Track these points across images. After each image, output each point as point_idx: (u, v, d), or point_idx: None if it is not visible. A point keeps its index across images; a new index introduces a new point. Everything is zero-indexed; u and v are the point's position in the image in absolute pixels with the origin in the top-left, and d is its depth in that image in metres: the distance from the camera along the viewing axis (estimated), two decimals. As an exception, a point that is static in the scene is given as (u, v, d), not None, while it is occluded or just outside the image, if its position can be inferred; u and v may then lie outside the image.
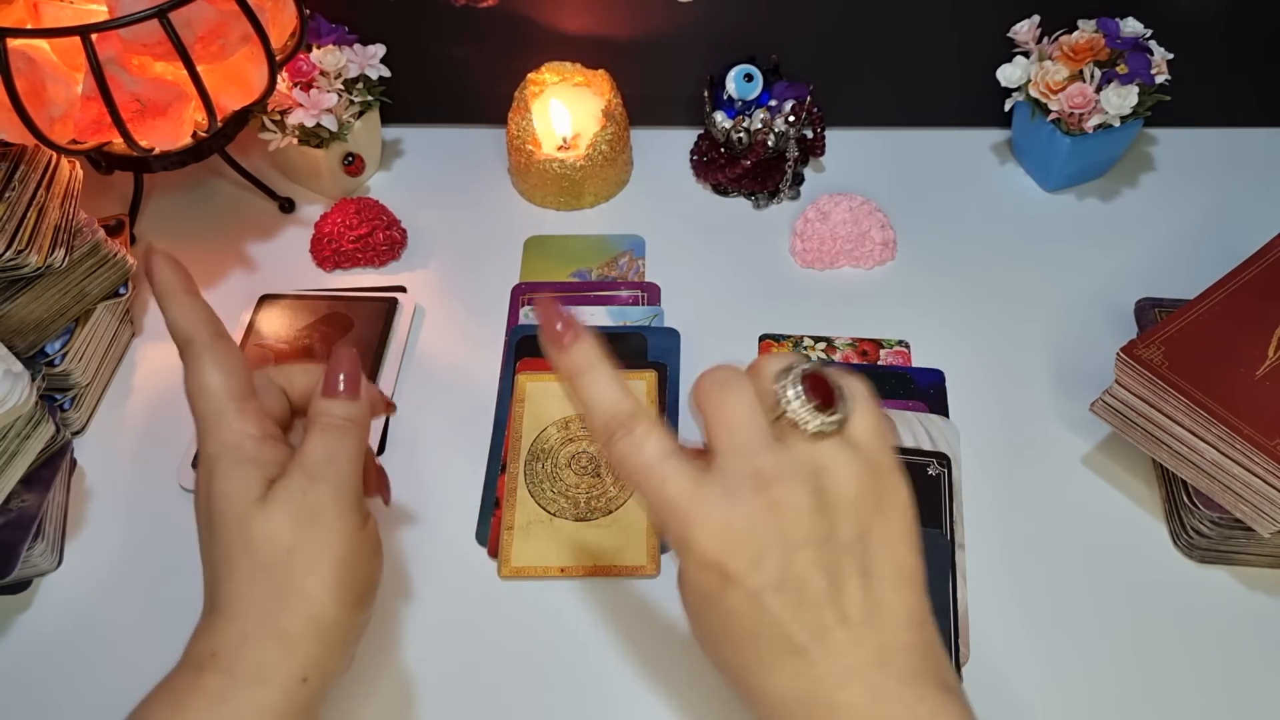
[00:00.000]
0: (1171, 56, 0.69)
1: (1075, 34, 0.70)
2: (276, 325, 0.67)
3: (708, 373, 0.37)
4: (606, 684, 0.52)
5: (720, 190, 0.77)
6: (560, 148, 0.76)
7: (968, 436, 0.60)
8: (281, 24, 0.63)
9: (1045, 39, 0.72)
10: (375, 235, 0.71)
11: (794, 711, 0.35)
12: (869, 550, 0.36)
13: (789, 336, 0.67)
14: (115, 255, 0.62)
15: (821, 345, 0.66)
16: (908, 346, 0.66)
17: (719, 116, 0.73)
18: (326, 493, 0.40)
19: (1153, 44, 0.70)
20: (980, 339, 0.66)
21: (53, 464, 0.56)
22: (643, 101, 0.78)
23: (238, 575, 0.39)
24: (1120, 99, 0.68)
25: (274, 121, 0.71)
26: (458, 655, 0.53)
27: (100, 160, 0.68)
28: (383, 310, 0.68)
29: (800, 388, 0.36)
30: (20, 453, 0.53)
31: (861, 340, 0.66)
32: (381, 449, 0.62)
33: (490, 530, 0.57)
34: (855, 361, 0.65)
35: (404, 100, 0.77)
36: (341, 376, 0.43)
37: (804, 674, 0.34)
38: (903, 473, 0.37)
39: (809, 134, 0.73)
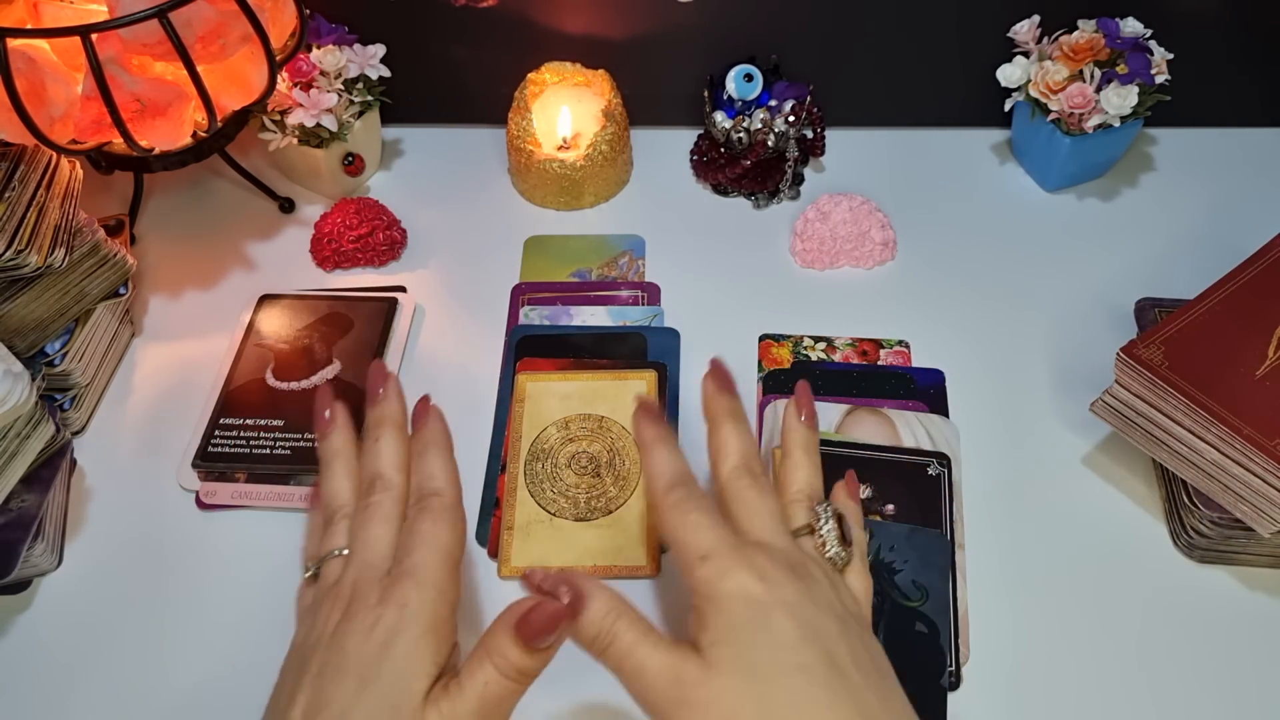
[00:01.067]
0: (1171, 56, 0.69)
1: (1075, 34, 0.70)
2: (276, 325, 0.67)
3: (736, 445, 0.44)
4: (606, 684, 0.52)
5: (720, 190, 0.77)
6: (560, 148, 0.76)
7: (968, 436, 0.60)
8: (281, 24, 0.63)
9: (1045, 39, 0.72)
10: (375, 235, 0.71)
11: None
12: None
13: (789, 336, 0.67)
14: (115, 255, 0.62)
15: (821, 345, 0.66)
16: (908, 346, 0.66)
17: (719, 116, 0.73)
18: None
19: (1153, 44, 0.70)
20: (980, 339, 0.66)
21: (53, 464, 0.56)
22: (643, 101, 0.78)
23: None
24: (1120, 99, 0.68)
25: (274, 121, 0.71)
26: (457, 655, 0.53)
27: (100, 160, 0.68)
28: (383, 310, 0.68)
29: (834, 520, 0.42)
30: (20, 453, 0.53)
31: (861, 340, 0.66)
32: (381, 449, 0.62)
33: (490, 530, 0.57)
34: (855, 361, 0.65)
35: (404, 100, 0.77)
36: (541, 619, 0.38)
37: None
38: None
39: (809, 134, 0.73)
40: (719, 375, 0.46)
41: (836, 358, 0.65)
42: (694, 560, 0.39)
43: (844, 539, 0.42)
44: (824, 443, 0.58)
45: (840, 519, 0.42)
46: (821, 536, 0.42)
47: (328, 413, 0.46)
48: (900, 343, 0.66)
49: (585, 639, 0.38)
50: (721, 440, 0.44)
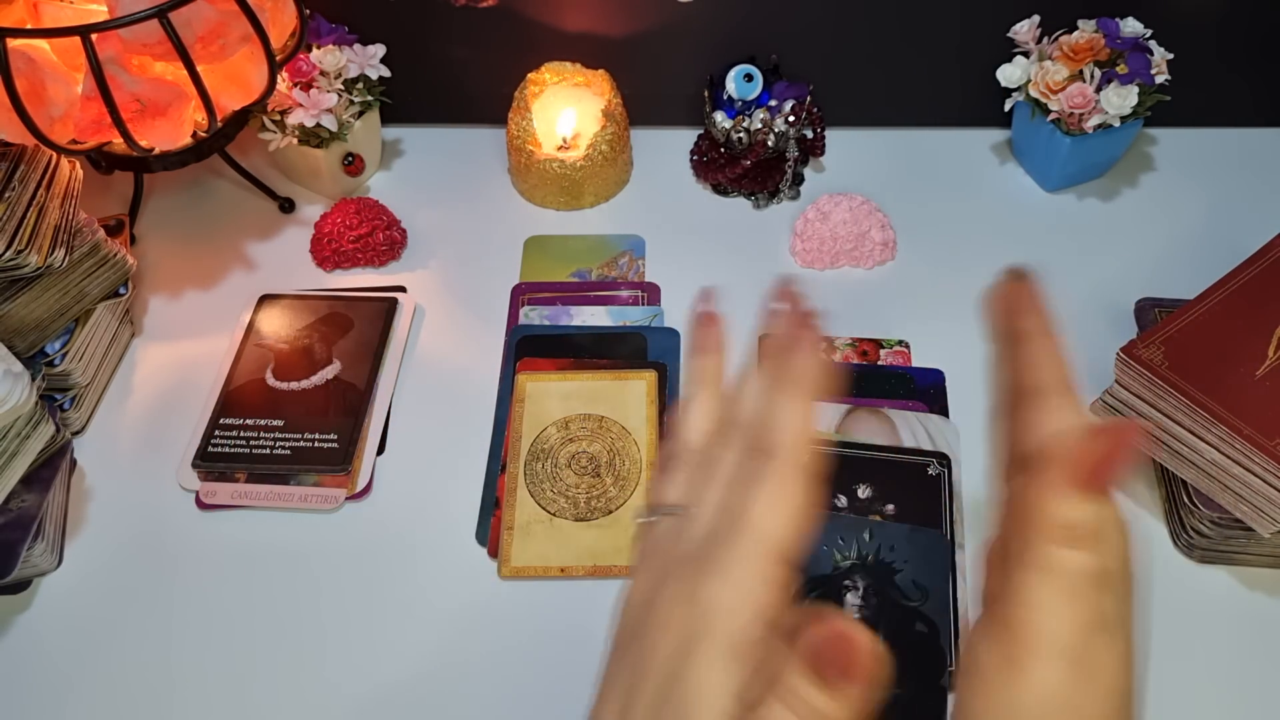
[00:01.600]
0: (1171, 56, 0.69)
1: (1075, 34, 0.70)
2: (276, 325, 0.67)
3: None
4: None
5: (720, 190, 0.77)
6: (560, 148, 0.76)
7: (968, 436, 0.60)
8: (281, 24, 0.63)
9: (1045, 39, 0.72)
10: (375, 235, 0.71)
11: None
12: None
13: None
14: (115, 255, 0.62)
15: (821, 345, 0.66)
16: (908, 346, 0.66)
17: (719, 116, 0.73)
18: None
19: (1153, 44, 0.70)
20: (980, 339, 0.66)
21: (53, 464, 0.56)
22: (643, 101, 0.78)
23: None
24: (1120, 99, 0.68)
25: (274, 121, 0.71)
26: (458, 655, 0.53)
27: (100, 160, 0.68)
28: (383, 310, 0.68)
29: None
30: (20, 453, 0.53)
31: (861, 340, 0.66)
32: (382, 449, 0.62)
33: (490, 530, 0.57)
34: (855, 361, 0.65)
35: (404, 100, 0.77)
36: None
37: None
38: None
39: (809, 134, 0.73)
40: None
41: (836, 358, 0.65)
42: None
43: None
44: (824, 443, 0.59)
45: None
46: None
47: (706, 319, 0.37)
48: (900, 343, 0.66)
49: None
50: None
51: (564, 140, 0.76)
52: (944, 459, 0.58)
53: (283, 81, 0.68)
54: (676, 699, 0.29)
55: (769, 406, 0.34)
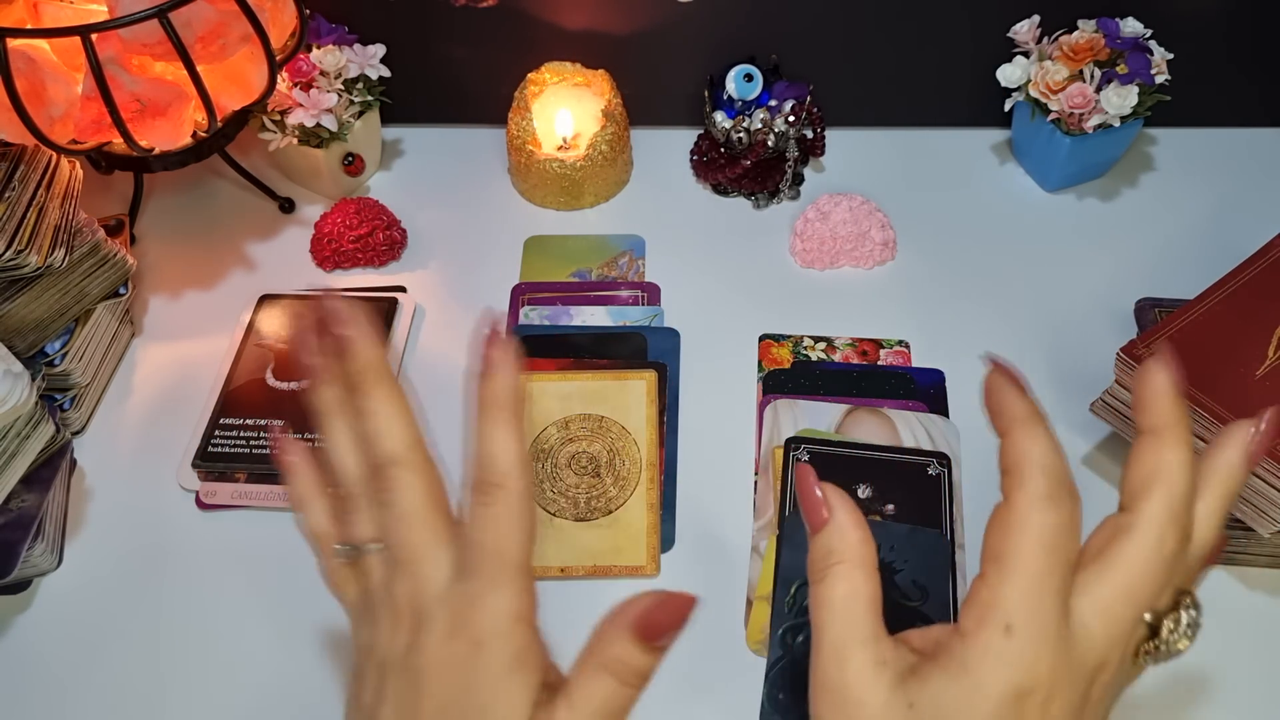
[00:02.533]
0: (1171, 56, 0.69)
1: (1075, 34, 0.70)
2: (276, 325, 0.67)
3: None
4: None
5: (720, 190, 0.77)
6: (560, 148, 0.76)
7: (968, 436, 0.60)
8: (281, 24, 0.63)
9: (1045, 39, 0.72)
10: (375, 235, 0.71)
11: None
12: None
13: (789, 336, 0.67)
14: (115, 255, 0.62)
15: (822, 345, 0.66)
16: (908, 346, 0.66)
17: (719, 116, 0.73)
18: None
19: (1153, 44, 0.70)
20: (980, 339, 0.66)
21: (53, 464, 0.56)
22: (643, 101, 0.78)
23: None
24: (1120, 99, 0.68)
25: (274, 121, 0.71)
26: (458, 655, 0.53)
27: (100, 160, 0.68)
28: (383, 310, 0.68)
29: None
30: (20, 453, 0.53)
31: (861, 340, 0.66)
32: (381, 449, 0.62)
33: (490, 530, 0.57)
34: (855, 361, 0.65)
35: (404, 100, 0.77)
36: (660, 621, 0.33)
37: None
38: None
39: (809, 134, 0.73)
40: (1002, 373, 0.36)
41: (836, 358, 0.65)
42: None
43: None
44: (824, 442, 0.59)
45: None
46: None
47: (309, 347, 0.36)
48: (900, 343, 0.66)
49: (813, 552, 0.34)
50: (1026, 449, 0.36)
51: (564, 140, 0.76)
52: (944, 459, 0.58)
53: (283, 81, 0.68)
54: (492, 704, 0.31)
55: (479, 438, 0.36)
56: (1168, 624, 0.31)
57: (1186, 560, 0.32)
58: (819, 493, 0.34)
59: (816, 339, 0.66)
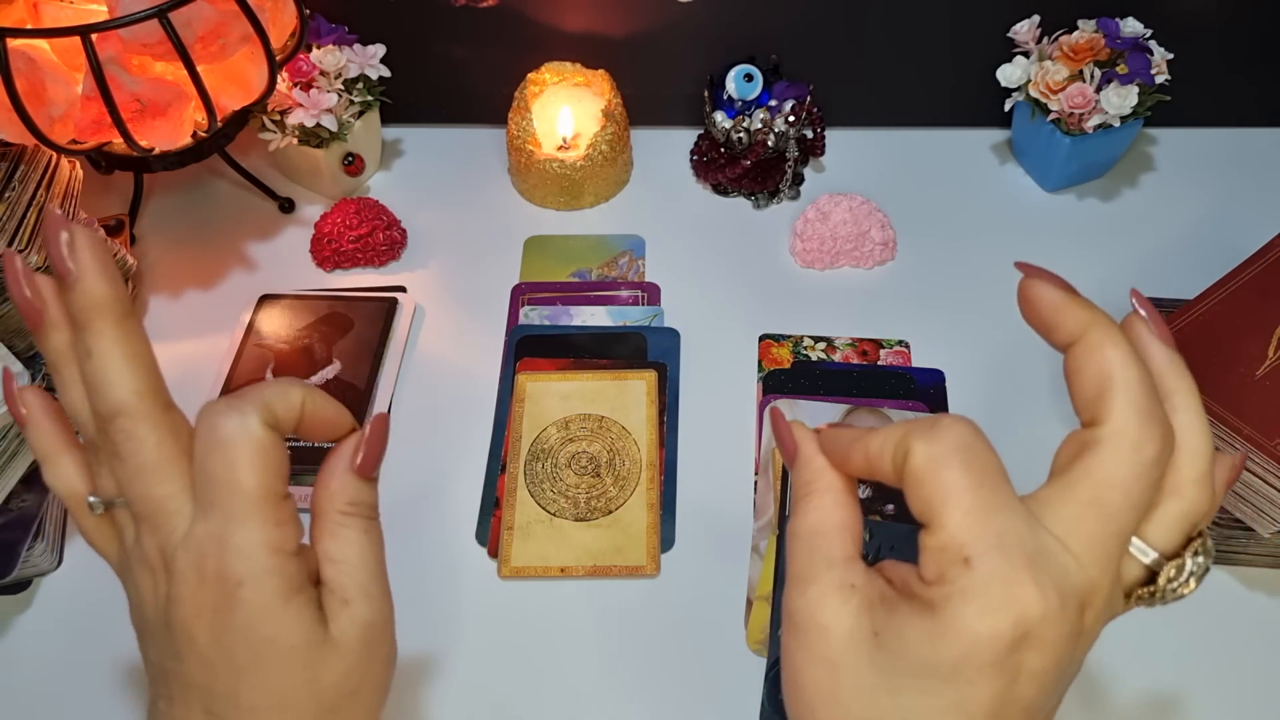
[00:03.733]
0: (1171, 56, 0.69)
1: (1075, 34, 0.70)
2: (276, 325, 0.67)
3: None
4: (606, 684, 0.52)
5: (720, 190, 0.77)
6: (560, 148, 0.76)
7: (968, 436, 0.60)
8: (281, 24, 0.63)
9: (1045, 39, 0.72)
10: (375, 235, 0.71)
11: None
12: None
13: (789, 336, 0.67)
14: (115, 255, 0.62)
15: (822, 345, 0.66)
16: (908, 346, 0.66)
17: (719, 116, 0.73)
18: (385, 612, 0.35)
19: (1153, 44, 0.70)
20: (980, 339, 0.66)
21: (53, 464, 0.56)
22: (643, 101, 0.78)
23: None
24: (1120, 99, 0.68)
25: (274, 121, 0.71)
26: (458, 655, 0.53)
27: (100, 160, 0.68)
28: (383, 310, 0.68)
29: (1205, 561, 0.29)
30: (20, 453, 0.53)
31: (861, 340, 0.66)
32: (381, 449, 0.62)
33: (490, 530, 0.57)
34: (855, 361, 0.65)
35: (404, 100, 0.77)
36: (366, 453, 0.35)
37: None
38: None
39: (809, 134, 0.73)
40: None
41: (836, 358, 0.65)
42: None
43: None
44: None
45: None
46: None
47: (22, 280, 0.33)
48: (900, 343, 0.66)
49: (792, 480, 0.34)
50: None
51: (564, 140, 0.76)
52: None
53: (283, 81, 0.68)
54: (269, 661, 0.31)
55: (86, 366, 0.32)
56: (1168, 571, 0.28)
57: (1184, 474, 0.29)
58: (788, 431, 0.33)
59: (816, 339, 0.66)
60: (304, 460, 0.60)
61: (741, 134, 0.72)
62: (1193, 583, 0.28)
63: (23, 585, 0.56)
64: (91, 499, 0.34)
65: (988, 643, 0.26)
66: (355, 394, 0.63)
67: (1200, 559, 0.28)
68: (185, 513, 0.32)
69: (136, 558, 0.33)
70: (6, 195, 0.56)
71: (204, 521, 0.31)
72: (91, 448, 0.34)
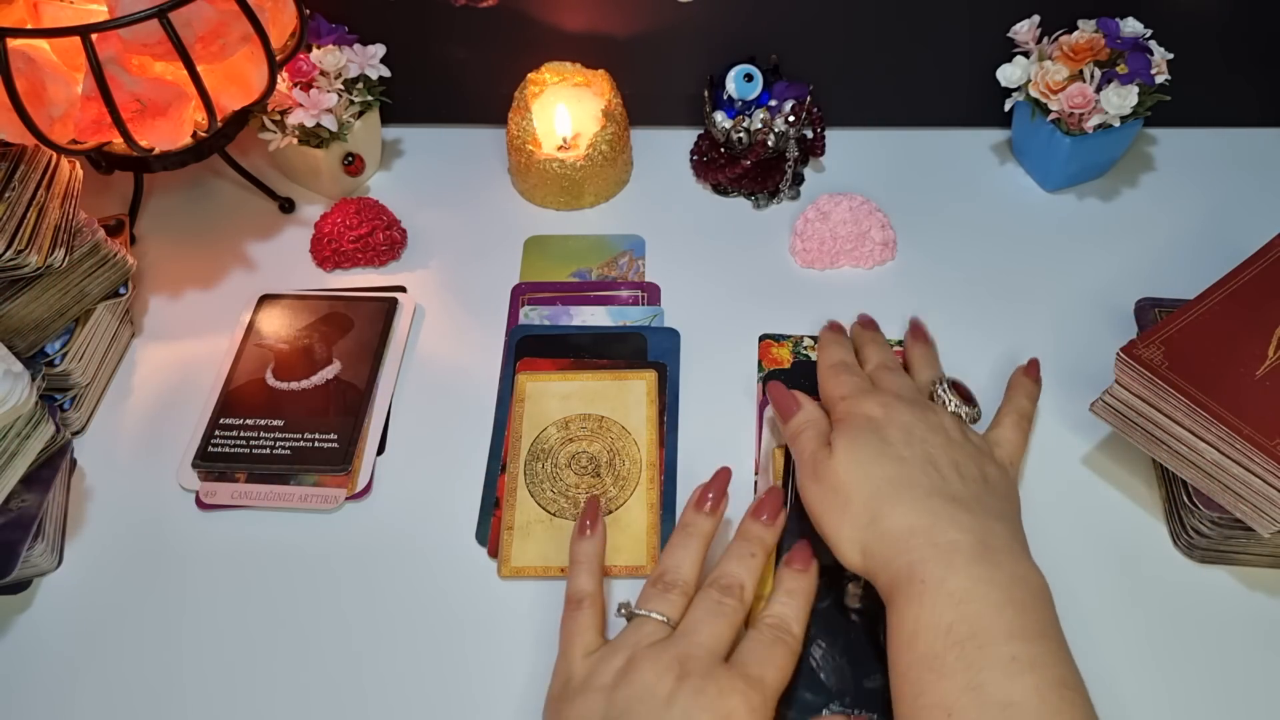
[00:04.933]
0: (1171, 56, 0.69)
1: (1075, 34, 0.70)
2: (276, 325, 0.67)
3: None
4: None
5: (720, 190, 0.77)
6: (560, 148, 0.76)
7: (968, 436, 0.60)
8: (281, 24, 0.63)
9: (1045, 39, 0.72)
10: (375, 235, 0.71)
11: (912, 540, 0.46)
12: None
13: (789, 337, 0.66)
14: (115, 255, 0.62)
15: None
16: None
17: (719, 116, 0.73)
18: None
19: (1153, 44, 0.70)
20: (980, 339, 0.66)
21: (53, 464, 0.56)
22: (643, 101, 0.78)
23: None
24: (1120, 99, 0.68)
25: (274, 121, 0.71)
26: (458, 655, 0.53)
27: (100, 160, 0.68)
28: (383, 310, 0.68)
29: (948, 385, 0.57)
30: (20, 453, 0.53)
31: None
32: (382, 449, 0.62)
33: (490, 530, 0.57)
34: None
35: (404, 100, 0.77)
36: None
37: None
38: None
39: (809, 134, 0.73)
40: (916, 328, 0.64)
41: None
42: (836, 400, 0.54)
43: (967, 400, 0.56)
44: None
45: (955, 385, 0.57)
46: (939, 396, 0.56)
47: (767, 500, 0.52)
48: (900, 343, 0.66)
49: (786, 433, 0.54)
50: (866, 353, 0.60)
51: (564, 140, 0.76)
52: None
53: (283, 81, 0.68)
54: None
55: (787, 598, 0.49)
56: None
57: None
58: (789, 395, 0.56)
59: (817, 339, 0.66)
60: (304, 460, 0.60)
61: (741, 134, 0.72)
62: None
63: (23, 585, 0.56)
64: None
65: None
66: (355, 394, 0.63)
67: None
68: (721, 657, 0.46)
69: (643, 650, 0.46)
70: (6, 195, 0.56)
71: (743, 671, 0.45)
72: (665, 584, 0.49)
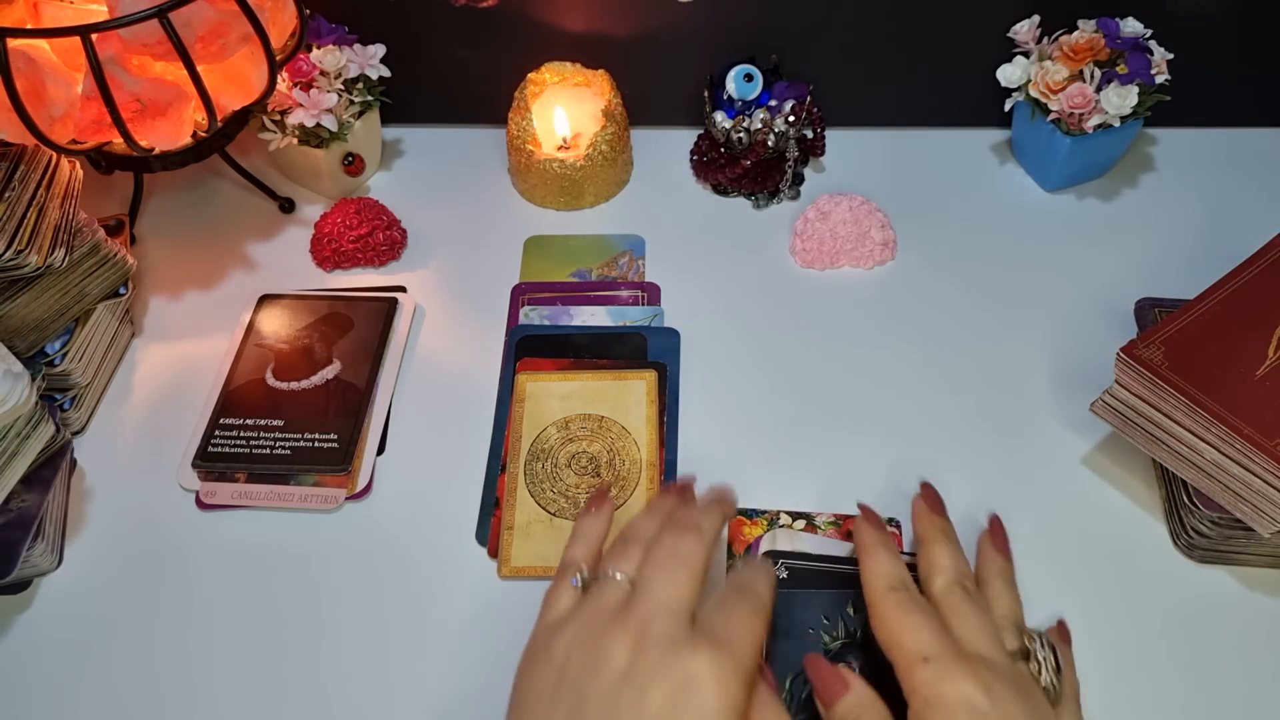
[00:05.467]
0: (1171, 56, 0.69)
1: (1075, 34, 0.70)
2: (276, 325, 0.67)
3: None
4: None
5: (720, 190, 0.77)
6: (560, 148, 0.76)
7: (968, 436, 0.60)
8: (281, 24, 0.63)
9: (1045, 39, 0.72)
10: (375, 235, 0.71)
11: None
12: None
13: (763, 513, 0.57)
14: (115, 255, 0.62)
15: (800, 523, 0.56)
16: (899, 526, 0.56)
17: (719, 116, 0.73)
18: None
19: (1153, 44, 0.70)
20: (981, 340, 0.66)
21: (53, 464, 0.56)
22: (643, 101, 0.78)
23: None
24: (1120, 99, 0.68)
25: (274, 121, 0.71)
26: (458, 655, 0.53)
27: (100, 160, 0.68)
28: (383, 310, 0.68)
29: (1050, 648, 0.42)
30: (20, 453, 0.53)
31: (846, 519, 0.56)
32: (382, 449, 0.62)
33: (490, 530, 0.57)
34: (835, 539, 0.53)
35: (404, 100, 0.77)
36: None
37: None
38: None
39: (809, 134, 0.73)
40: (929, 496, 0.49)
41: (817, 535, 0.55)
42: (915, 661, 0.40)
43: (1058, 668, 0.42)
44: (803, 556, 0.51)
45: (1054, 648, 0.42)
46: (1038, 662, 0.41)
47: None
48: (892, 520, 0.56)
49: (834, 716, 0.41)
50: (934, 557, 0.45)
51: (564, 140, 0.76)
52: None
53: (283, 81, 0.68)
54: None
55: (750, 572, 0.45)
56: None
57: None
58: (835, 673, 0.42)
59: (795, 515, 0.57)
60: (304, 460, 0.60)
61: (741, 134, 0.72)
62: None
63: (23, 585, 0.56)
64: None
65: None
66: (355, 394, 0.63)
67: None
68: (688, 614, 0.42)
69: (609, 617, 0.42)
70: (6, 195, 0.56)
71: (709, 633, 0.41)
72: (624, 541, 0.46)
